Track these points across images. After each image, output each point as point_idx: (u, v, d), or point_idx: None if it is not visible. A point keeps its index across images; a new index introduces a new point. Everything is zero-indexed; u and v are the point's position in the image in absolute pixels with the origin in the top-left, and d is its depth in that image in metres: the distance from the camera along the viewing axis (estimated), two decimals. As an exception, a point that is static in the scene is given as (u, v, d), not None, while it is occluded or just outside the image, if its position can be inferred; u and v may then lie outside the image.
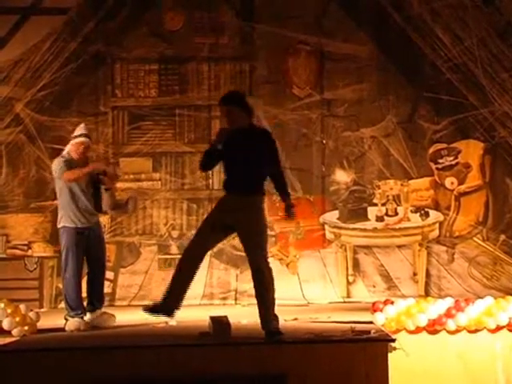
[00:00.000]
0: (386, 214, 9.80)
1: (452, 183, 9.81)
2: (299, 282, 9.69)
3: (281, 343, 6.09)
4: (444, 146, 9.84)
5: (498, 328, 6.86)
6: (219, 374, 5.85)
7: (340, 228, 9.81)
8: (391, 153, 9.82)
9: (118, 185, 9.70)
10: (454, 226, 9.77)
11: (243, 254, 9.63)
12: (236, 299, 9.57)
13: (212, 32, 9.94)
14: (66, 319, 7.20)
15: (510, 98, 9.72)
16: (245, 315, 7.63)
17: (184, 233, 9.69)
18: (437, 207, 9.83)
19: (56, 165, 7.32)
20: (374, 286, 9.68)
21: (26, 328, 6.98)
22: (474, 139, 9.82)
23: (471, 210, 9.78)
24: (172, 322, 7.00)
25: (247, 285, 9.58)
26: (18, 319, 6.96)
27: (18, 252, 9.75)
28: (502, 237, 9.70)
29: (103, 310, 7.48)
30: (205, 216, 6.59)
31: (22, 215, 9.77)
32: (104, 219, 9.68)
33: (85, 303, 7.35)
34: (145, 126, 9.88)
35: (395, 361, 6.16)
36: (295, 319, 7.50)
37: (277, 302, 9.29)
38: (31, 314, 7.17)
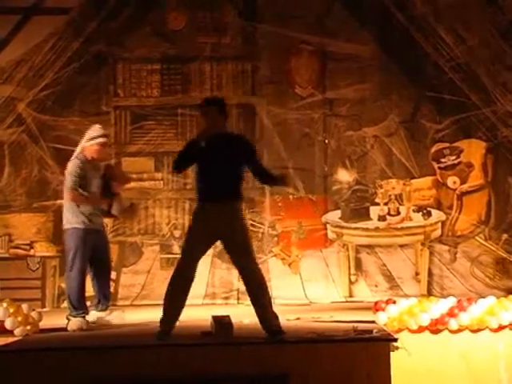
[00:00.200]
0: (388, 214, 9.80)
1: (454, 182, 9.81)
2: (301, 281, 9.69)
3: (283, 343, 6.09)
4: (446, 145, 9.83)
5: (501, 327, 6.85)
6: (221, 373, 5.85)
7: (342, 227, 9.81)
8: (393, 152, 9.82)
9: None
10: (456, 225, 9.76)
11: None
12: (238, 299, 9.57)
13: (214, 32, 9.94)
14: (68, 319, 7.21)
15: (513, 97, 9.74)
16: (247, 315, 7.62)
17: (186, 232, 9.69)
18: (439, 206, 9.83)
19: (72, 166, 7.30)
20: (377, 286, 9.68)
21: (29, 328, 6.98)
22: (476, 138, 9.82)
23: (473, 209, 9.78)
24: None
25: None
26: (20, 319, 6.97)
27: (20, 252, 9.76)
28: (505, 236, 9.70)
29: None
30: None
31: (24, 215, 9.78)
32: (106, 219, 9.70)
33: (88, 303, 7.37)
34: (147, 126, 9.89)
35: (397, 360, 6.15)
36: (297, 319, 7.50)
37: (279, 301, 9.37)
38: (33, 314, 7.18)
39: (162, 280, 9.40)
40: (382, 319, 6.92)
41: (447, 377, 6.73)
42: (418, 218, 9.81)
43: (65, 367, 5.90)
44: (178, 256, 6.60)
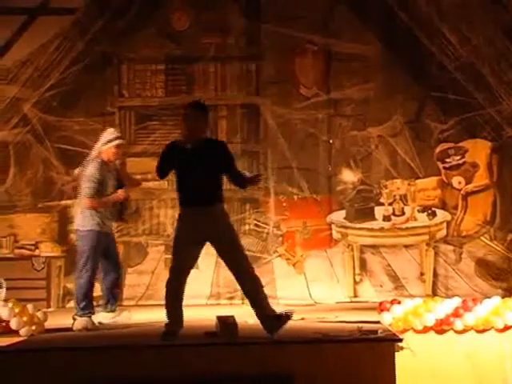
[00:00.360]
0: (393, 214, 9.79)
1: (459, 182, 9.79)
2: (306, 281, 9.68)
3: (288, 343, 6.09)
4: (451, 145, 9.82)
5: (506, 327, 6.84)
6: (226, 374, 5.85)
7: (347, 228, 9.81)
8: (398, 152, 9.81)
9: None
10: (462, 225, 9.75)
11: (250, 253, 9.73)
12: (243, 299, 9.52)
13: (219, 32, 9.94)
14: (74, 319, 7.22)
15: (518, 96, 9.72)
16: (251, 315, 7.63)
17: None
18: (444, 207, 9.82)
19: (91, 170, 7.36)
20: (381, 286, 9.67)
21: (34, 328, 6.99)
22: (481, 138, 9.81)
23: (478, 209, 9.76)
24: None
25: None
26: (25, 319, 6.98)
27: (25, 252, 9.77)
28: (510, 236, 9.68)
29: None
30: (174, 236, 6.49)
31: (29, 215, 9.79)
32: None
33: (94, 302, 7.40)
34: (152, 126, 9.89)
35: (402, 360, 6.15)
36: (302, 319, 7.50)
37: (283, 301, 9.38)
38: (39, 314, 7.19)
39: (166, 280, 9.40)
40: (387, 319, 6.91)
41: (452, 377, 6.72)
42: (422, 218, 9.80)
43: (70, 367, 5.92)
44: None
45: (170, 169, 6.45)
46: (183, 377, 5.86)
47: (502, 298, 7.36)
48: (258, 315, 6.37)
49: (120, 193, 7.42)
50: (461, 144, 9.82)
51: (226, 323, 6.37)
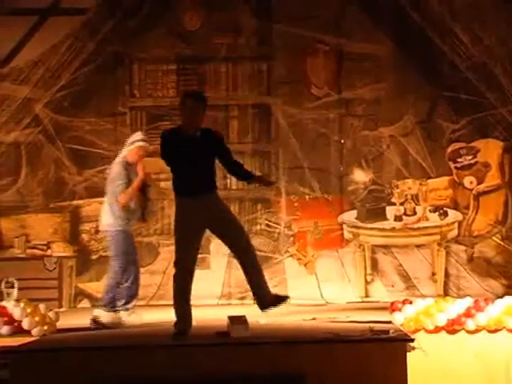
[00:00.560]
0: (405, 214, 9.77)
1: (471, 182, 9.77)
2: (317, 281, 9.68)
3: (299, 343, 6.08)
4: (463, 145, 9.80)
5: (518, 328, 6.82)
6: (237, 374, 5.85)
7: (358, 228, 9.79)
8: (410, 152, 9.79)
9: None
10: (473, 225, 9.73)
11: (261, 253, 9.76)
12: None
13: (230, 32, 9.94)
14: (96, 316, 7.27)
15: (530, 96, 9.69)
16: (263, 315, 7.63)
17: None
18: (455, 207, 9.79)
19: (117, 170, 7.52)
20: (393, 286, 9.66)
21: (46, 328, 7.01)
22: (493, 138, 9.78)
23: (490, 209, 9.74)
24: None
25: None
26: (37, 319, 7.00)
27: (37, 252, 9.80)
28: (522, 236, 9.66)
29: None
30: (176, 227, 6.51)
31: (41, 215, 9.82)
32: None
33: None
34: (163, 126, 9.86)
35: (414, 360, 6.14)
36: (313, 319, 7.50)
37: (295, 301, 9.36)
38: (51, 314, 7.21)
39: (177, 280, 9.41)
40: (399, 319, 6.90)
41: (464, 377, 6.70)
42: (434, 218, 9.78)
43: (82, 367, 5.92)
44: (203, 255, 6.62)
45: (171, 159, 6.46)
46: (194, 377, 5.86)
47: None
48: (255, 291, 6.52)
49: (140, 173, 7.47)
50: (472, 144, 9.80)
51: (238, 323, 6.37)
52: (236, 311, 7.34)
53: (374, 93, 9.85)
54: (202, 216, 6.34)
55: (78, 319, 7.91)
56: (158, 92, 10.00)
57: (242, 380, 5.87)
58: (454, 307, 6.94)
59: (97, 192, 9.80)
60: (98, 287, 9.72)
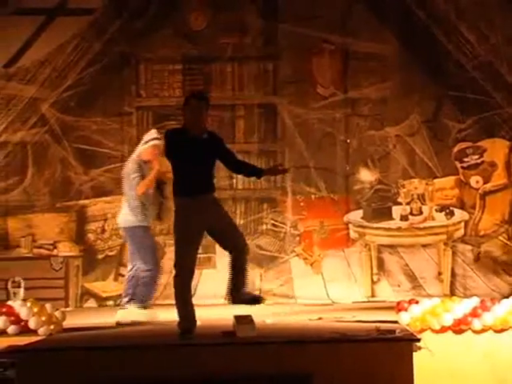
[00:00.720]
0: (411, 213, 9.77)
1: (477, 182, 9.76)
2: (323, 281, 9.68)
3: (305, 343, 6.08)
4: (469, 144, 9.79)
5: (525, 327, 6.81)
6: (243, 373, 5.85)
7: (364, 227, 9.79)
8: (416, 152, 9.79)
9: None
10: (480, 224, 9.72)
11: (268, 253, 9.77)
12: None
13: (236, 32, 9.95)
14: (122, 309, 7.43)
15: (536, 96, 9.67)
16: (269, 314, 7.63)
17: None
18: (462, 206, 9.78)
19: (131, 166, 7.59)
20: (399, 286, 9.65)
21: (52, 327, 7.02)
22: (499, 138, 9.77)
23: (496, 208, 9.73)
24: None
25: (271, 284, 9.61)
26: (44, 318, 7.01)
27: (43, 251, 9.82)
28: (528, 235, 9.65)
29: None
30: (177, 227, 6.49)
31: (47, 215, 9.84)
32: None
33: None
34: (169, 126, 9.85)
35: (420, 360, 6.13)
36: (320, 319, 7.50)
37: (301, 301, 9.38)
38: (57, 313, 7.21)
39: (184, 280, 9.42)
40: (405, 319, 6.89)
41: (470, 377, 6.69)
42: (440, 218, 9.77)
43: (88, 366, 5.93)
44: (201, 256, 6.62)
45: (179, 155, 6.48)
46: (200, 376, 5.86)
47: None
48: (232, 288, 6.52)
49: (156, 167, 7.50)
50: (479, 143, 9.79)
51: (244, 322, 6.37)
52: (242, 311, 7.34)
53: (379, 92, 9.85)
54: (202, 216, 6.36)
55: (84, 319, 7.93)
56: (164, 92, 10.01)
57: (248, 380, 5.86)
58: (461, 307, 6.93)
59: (103, 192, 9.84)
60: (103, 287, 9.76)
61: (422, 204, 9.77)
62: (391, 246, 9.78)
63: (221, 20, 9.91)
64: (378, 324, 6.60)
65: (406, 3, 9.74)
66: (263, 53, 10.01)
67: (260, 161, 9.82)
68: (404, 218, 9.77)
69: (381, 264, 9.75)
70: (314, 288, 9.56)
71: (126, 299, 7.58)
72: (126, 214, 7.59)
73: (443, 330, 6.80)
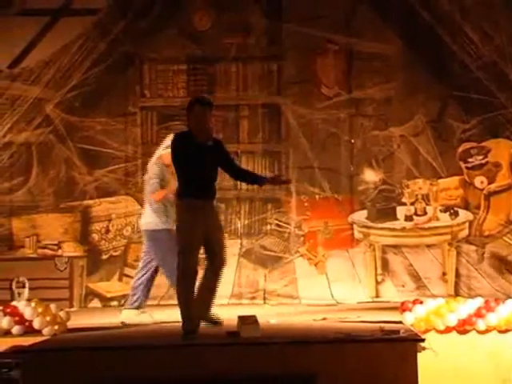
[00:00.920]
0: (415, 214, 9.76)
1: (482, 182, 9.75)
2: (328, 281, 9.67)
3: (310, 343, 6.08)
4: (473, 144, 9.78)
5: (529, 328, 6.80)
6: (248, 374, 5.85)
7: (369, 227, 9.79)
8: (420, 152, 9.78)
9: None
10: (484, 225, 9.71)
11: (272, 253, 9.78)
12: (264, 299, 9.58)
13: (240, 32, 9.95)
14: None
15: (541, 96, 9.66)
16: (273, 315, 7.64)
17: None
18: (466, 206, 9.77)
19: (152, 170, 7.60)
20: (403, 286, 9.64)
21: (57, 327, 7.03)
22: (504, 138, 9.75)
23: (501, 209, 9.71)
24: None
25: (276, 284, 9.61)
26: (48, 318, 7.02)
27: (48, 252, 9.83)
28: (533, 236, 9.64)
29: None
30: (180, 227, 6.54)
31: (52, 215, 9.85)
32: (133, 219, 9.76)
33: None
34: (174, 126, 9.90)
35: (424, 361, 6.13)
36: (324, 319, 7.50)
37: (305, 301, 9.37)
38: (61, 314, 7.23)
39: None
40: (409, 319, 6.89)
41: (475, 377, 6.69)
42: (445, 218, 9.76)
43: (92, 367, 5.94)
44: (202, 256, 6.62)
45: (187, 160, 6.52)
46: (204, 377, 5.86)
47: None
48: (207, 307, 6.60)
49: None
50: (483, 144, 9.77)
51: (248, 323, 6.38)
52: (246, 311, 7.35)
53: (384, 92, 9.84)
54: (203, 220, 6.44)
55: (88, 319, 7.94)
56: (168, 92, 10.01)
57: (252, 380, 5.87)
58: (465, 307, 6.93)
59: (107, 192, 9.85)
60: (108, 287, 9.76)
61: (427, 204, 9.77)
62: (395, 247, 9.77)
63: (225, 20, 9.91)
64: (382, 324, 6.60)
65: (410, 3, 9.72)
66: (267, 53, 10.01)
67: (264, 161, 9.82)
68: (408, 218, 9.76)
69: (385, 264, 9.74)
70: (319, 288, 9.55)
71: (133, 304, 7.56)
72: (148, 217, 7.58)
73: (447, 330, 6.80)
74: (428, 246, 9.75)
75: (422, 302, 7.14)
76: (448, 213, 9.76)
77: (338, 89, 9.93)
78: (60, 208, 9.84)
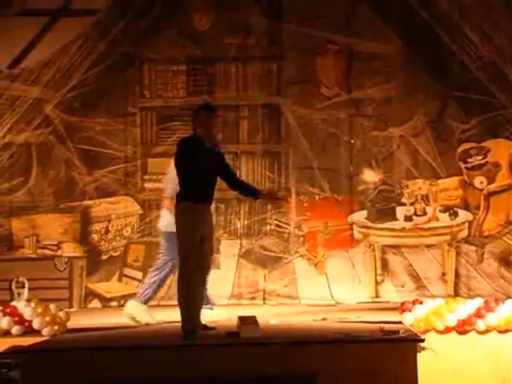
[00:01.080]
0: (415, 214, 9.76)
1: (481, 182, 9.75)
2: (327, 281, 9.67)
3: (310, 343, 6.09)
4: (473, 145, 9.78)
5: (529, 328, 6.80)
6: (248, 374, 5.86)
7: (368, 228, 9.78)
8: (420, 152, 9.78)
9: (148, 185, 9.81)
10: (484, 225, 9.71)
11: (271, 254, 9.78)
12: (264, 299, 9.58)
13: (240, 32, 9.95)
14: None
15: (540, 96, 9.65)
16: (273, 315, 7.64)
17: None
18: (466, 207, 9.77)
19: (172, 174, 7.45)
20: (403, 286, 9.64)
21: (56, 327, 7.03)
22: (503, 138, 9.75)
23: (501, 209, 9.71)
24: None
25: (275, 285, 9.61)
26: (48, 319, 7.02)
27: (48, 252, 9.83)
28: (532, 236, 9.63)
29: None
30: (185, 231, 6.56)
31: (51, 215, 9.84)
32: (132, 219, 9.76)
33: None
34: (173, 127, 9.92)
35: (424, 361, 6.14)
36: (324, 319, 7.50)
37: (305, 301, 9.38)
38: (61, 314, 7.23)
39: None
40: (409, 320, 6.90)
41: (475, 377, 6.69)
42: (444, 219, 9.76)
43: (92, 367, 5.94)
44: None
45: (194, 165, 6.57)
46: (204, 377, 5.87)
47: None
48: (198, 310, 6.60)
49: None
50: (483, 144, 9.77)
51: (248, 323, 6.38)
52: (246, 311, 7.35)
53: (383, 93, 9.84)
54: (203, 223, 6.54)
55: (88, 319, 7.94)
56: (168, 92, 10.01)
57: (252, 380, 5.87)
58: (465, 308, 6.93)
59: (107, 192, 9.85)
60: (107, 287, 9.76)
61: (426, 204, 9.77)
62: (395, 247, 9.77)
63: (225, 20, 9.91)
64: (382, 324, 6.60)
65: (409, 3, 9.72)
66: (267, 53, 10.00)
67: (264, 161, 9.83)
68: (408, 218, 9.76)
69: (385, 265, 9.74)
70: (318, 289, 9.55)
71: (141, 299, 7.59)
72: (166, 219, 7.57)
73: (447, 330, 6.81)
74: (428, 247, 9.74)
75: (421, 303, 7.15)
76: (447, 213, 9.76)
77: (338, 89, 9.93)
78: (60, 208, 9.84)
